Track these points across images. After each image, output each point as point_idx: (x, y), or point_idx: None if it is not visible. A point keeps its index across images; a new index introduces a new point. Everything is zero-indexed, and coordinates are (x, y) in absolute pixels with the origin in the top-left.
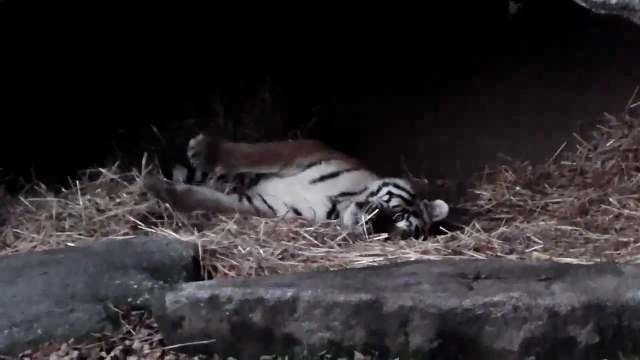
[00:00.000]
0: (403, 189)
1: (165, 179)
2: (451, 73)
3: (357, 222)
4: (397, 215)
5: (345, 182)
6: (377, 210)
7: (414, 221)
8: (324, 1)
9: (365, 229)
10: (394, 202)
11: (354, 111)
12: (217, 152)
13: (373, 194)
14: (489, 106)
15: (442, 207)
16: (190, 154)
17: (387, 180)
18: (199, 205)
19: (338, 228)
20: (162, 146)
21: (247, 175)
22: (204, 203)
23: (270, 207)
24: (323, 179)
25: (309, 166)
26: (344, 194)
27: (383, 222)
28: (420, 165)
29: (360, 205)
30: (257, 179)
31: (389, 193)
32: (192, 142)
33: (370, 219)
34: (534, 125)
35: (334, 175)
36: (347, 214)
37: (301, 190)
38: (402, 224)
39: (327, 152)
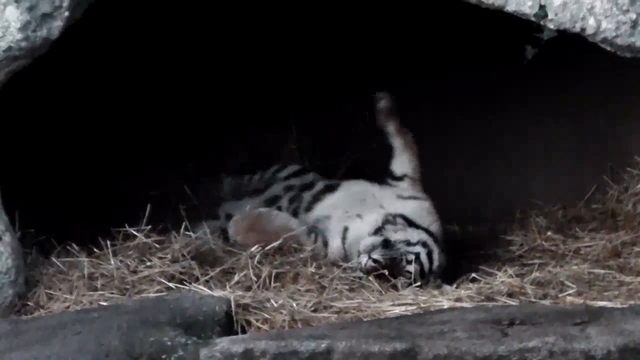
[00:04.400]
0: None
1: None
2: (478, 115)
3: None
4: None
5: None
6: None
7: None
8: (345, 49)
9: None
10: None
11: (383, 156)
12: None
13: None
14: (517, 149)
15: None
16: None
17: None
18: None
19: None
20: (193, 202)
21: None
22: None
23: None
24: None
25: None
26: None
27: None
28: (450, 211)
29: None
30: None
31: None
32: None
33: None
34: (564, 167)
35: None
36: None
37: None
38: None
39: None
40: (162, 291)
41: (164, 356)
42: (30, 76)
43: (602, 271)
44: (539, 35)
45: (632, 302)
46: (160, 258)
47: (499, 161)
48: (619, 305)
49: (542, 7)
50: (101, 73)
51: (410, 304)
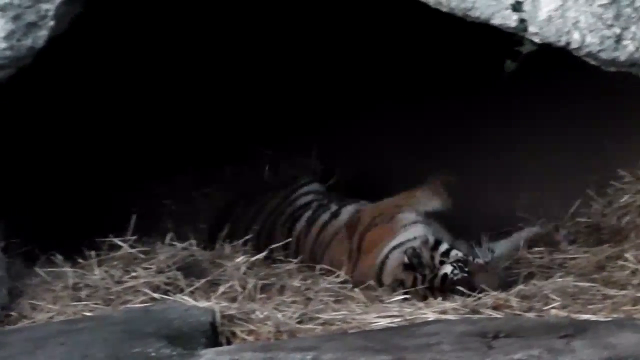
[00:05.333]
0: None
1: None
2: (463, 129)
3: None
4: None
5: None
6: None
7: None
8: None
9: None
10: None
11: (377, 169)
12: None
13: None
14: (502, 163)
15: None
16: None
17: None
18: None
19: None
20: (186, 211)
21: None
22: None
23: None
24: None
25: None
26: None
27: None
28: None
29: None
30: None
31: None
32: None
33: None
34: (549, 181)
35: None
36: None
37: None
38: None
39: None
40: (146, 302)
41: None
42: (22, 84)
43: (587, 284)
44: (519, 49)
45: (616, 316)
46: (145, 269)
47: (484, 175)
48: (603, 319)
49: (522, 21)
50: (94, 85)
51: (396, 316)
